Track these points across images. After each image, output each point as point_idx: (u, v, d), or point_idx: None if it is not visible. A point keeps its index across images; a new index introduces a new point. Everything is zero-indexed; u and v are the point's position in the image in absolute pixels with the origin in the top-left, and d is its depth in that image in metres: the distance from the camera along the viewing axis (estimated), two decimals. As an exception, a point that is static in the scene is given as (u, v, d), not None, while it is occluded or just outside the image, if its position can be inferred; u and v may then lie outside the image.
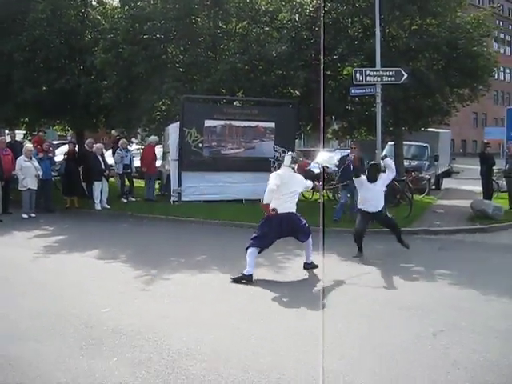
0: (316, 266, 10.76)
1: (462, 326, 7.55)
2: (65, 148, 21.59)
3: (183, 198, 19.31)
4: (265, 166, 18.73)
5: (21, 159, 17.57)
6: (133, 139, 26.86)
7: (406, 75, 16.37)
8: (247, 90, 20.96)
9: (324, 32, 17.86)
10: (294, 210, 10.43)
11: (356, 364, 6.27)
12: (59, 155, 22.84)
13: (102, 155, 19.68)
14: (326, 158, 25.21)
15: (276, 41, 20.17)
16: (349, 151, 17.61)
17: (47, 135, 25.51)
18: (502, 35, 75.50)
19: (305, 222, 10.65)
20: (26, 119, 24.40)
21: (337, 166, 18.99)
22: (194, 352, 6.53)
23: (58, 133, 31.97)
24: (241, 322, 7.69)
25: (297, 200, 10.63)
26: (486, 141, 24.53)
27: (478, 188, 21.86)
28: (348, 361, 6.36)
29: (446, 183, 29.47)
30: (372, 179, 12.36)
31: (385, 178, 12.60)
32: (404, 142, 22.32)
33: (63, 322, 7.54)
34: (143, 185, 21.18)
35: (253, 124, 20.05)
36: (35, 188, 17.71)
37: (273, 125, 20.12)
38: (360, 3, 19.36)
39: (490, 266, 11.68)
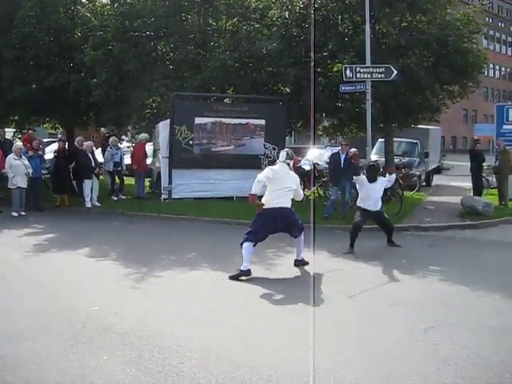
0: (307, 263, 10.75)
1: (453, 322, 7.57)
2: (55, 146, 21.48)
3: (174, 196, 19.27)
4: (255, 163, 18.74)
5: (10, 157, 17.49)
6: (123, 137, 26.79)
7: (395, 72, 16.39)
8: (237, 87, 20.94)
9: (314, 29, 17.85)
10: (289, 206, 10.43)
11: (347, 361, 6.27)
12: (49, 153, 22.74)
13: (93, 153, 19.65)
14: (316, 155, 25.14)
15: (266, 38, 20.15)
16: (339, 148, 17.61)
17: (37, 133, 25.43)
18: (491, 32, 75.85)
19: (299, 218, 10.67)
20: (16, 117, 24.32)
21: (327, 163, 19.01)
22: (185, 349, 6.52)
23: (48, 131, 31.87)
24: (231, 319, 7.68)
25: (300, 190, 10.72)
26: (475, 137, 24.56)
27: (468, 184, 21.93)
28: (339, 357, 6.37)
29: (437, 180, 29.52)
30: (371, 179, 12.44)
31: (384, 181, 12.77)
32: (394, 139, 22.37)
33: (53, 320, 7.52)
34: (134, 182, 21.15)
35: (243, 121, 20.03)
36: (25, 186, 17.62)
37: (263, 122, 20.10)
38: (350, 0, 19.35)
39: (481, 262, 11.74)
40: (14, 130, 24.98)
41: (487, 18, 64.35)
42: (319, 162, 22.19)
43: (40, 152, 19.55)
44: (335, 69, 19.14)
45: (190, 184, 19.38)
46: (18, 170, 17.41)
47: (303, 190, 19.40)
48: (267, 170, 10.36)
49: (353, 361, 6.27)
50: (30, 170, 17.69)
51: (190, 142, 19.36)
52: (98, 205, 19.03)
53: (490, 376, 5.87)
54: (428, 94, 19.89)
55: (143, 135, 21.60)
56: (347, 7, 19.38)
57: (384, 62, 17.04)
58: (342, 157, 16.50)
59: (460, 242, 14.07)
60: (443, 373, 5.94)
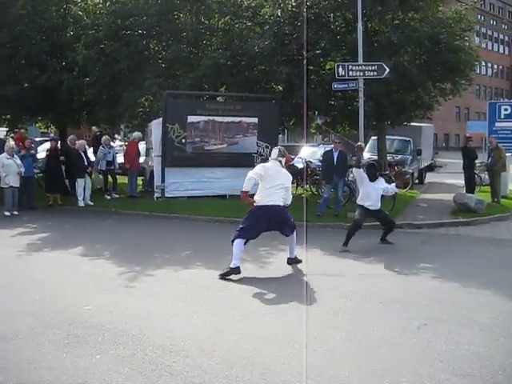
0: (300, 261, 10.75)
1: (446, 319, 7.59)
2: (47, 145, 21.43)
3: (167, 194, 19.25)
4: (248, 161, 18.71)
5: (2, 157, 17.43)
6: (116, 135, 26.75)
7: (388, 70, 16.43)
8: (230, 86, 20.95)
9: (306, 27, 17.89)
10: (281, 204, 10.32)
11: (340, 358, 6.28)
12: (42, 152, 22.69)
13: (85, 152, 19.60)
14: (309, 153, 25.19)
15: (258, 36, 20.12)
16: (332, 146, 17.62)
17: (30, 132, 25.37)
18: (483, 30, 76.08)
19: (291, 217, 10.63)
20: (8, 116, 24.24)
21: (320, 161, 19.03)
22: (178, 348, 6.52)
23: (41, 130, 31.80)
24: (225, 317, 7.69)
25: (290, 193, 10.60)
26: (468, 135, 24.65)
27: (460, 182, 21.97)
28: (332, 355, 6.37)
29: (429, 177, 29.62)
30: (372, 179, 12.46)
31: (383, 182, 12.79)
32: (387, 137, 22.44)
33: (46, 320, 7.50)
34: (126, 181, 21.10)
35: (236, 119, 20.00)
36: (17, 185, 17.56)
37: (256, 120, 20.08)
38: (342, -2, 19.37)
39: (473, 258, 11.78)
40: (7, 129, 24.91)
41: (479, 16, 64.54)
42: (312, 160, 22.24)
43: (32, 151, 19.51)
44: (328, 67, 19.20)
45: (183, 182, 19.39)
46: (11, 169, 17.36)
47: (296, 188, 19.77)
48: (258, 167, 10.30)
49: (346, 358, 6.28)
50: (23, 170, 17.64)
51: (183, 141, 19.32)
52: (91, 204, 18.98)
53: (483, 372, 5.89)
54: (420, 92, 19.95)
55: (136, 134, 21.55)
56: (339, 5, 19.38)
57: (376, 59, 17.07)
58: (335, 155, 16.51)
59: (453, 239, 14.11)
60: (436, 369, 5.95)
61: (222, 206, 17.59)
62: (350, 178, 17.68)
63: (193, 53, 21.37)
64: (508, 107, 21.62)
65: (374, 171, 12.60)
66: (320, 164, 19.04)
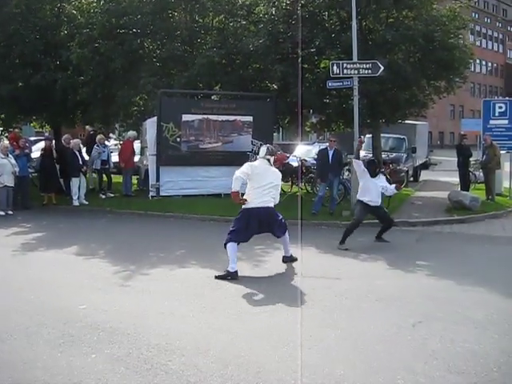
0: (295, 259, 10.75)
1: (440, 316, 7.61)
2: (42, 144, 21.39)
3: (161, 193, 19.25)
4: (243, 159, 18.31)
5: (-3, 156, 17.42)
6: (111, 134, 26.71)
7: (382, 68, 16.41)
8: (225, 84, 20.94)
9: (301, 25, 17.87)
10: (272, 205, 10.21)
11: (335, 356, 6.28)
12: (36, 151, 22.64)
13: (80, 151, 19.58)
14: (304, 151, 25.23)
15: (253, 34, 20.09)
16: (327, 144, 17.62)
17: (24, 131, 25.30)
18: (477, 28, 76.19)
19: (281, 217, 10.51)
20: (2, 115, 24.16)
21: (315, 159, 19.04)
22: (173, 347, 6.51)
23: (36, 129, 31.72)
24: (220, 316, 7.69)
25: (278, 192, 10.48)
26: (462, 132, 24.63)
27: (455, 179, 22.02)
28: (327, 353, 6.38)
29: (424, 175, 29.64)
30: (372, 175, 12.47)
31: (384, 180, 12.81)
32: (381, 135, 22.42)
33: (41, 319, 7.49)
34: (121, 180, 21.09)
35: (231, 118, 19.97)
36: (12, 185, 17.53)
37: (251, 118, 20.06)
38: (336, -4, 19.36)
39: (467, 256, 11.83)
40: (1, 128, 24.84)
41: (473, 14, 64.59)
42: (307, 159, 22.26)
43: (27, 150, 19.47)
44: (322, 65, 19.19)
45: (178, 181, 19.38)
46: (5, 168, 17.32)
47: (291, 186, 19.78)
48: (245, 166, 10.05)
49: (341, 356, 6.28)
50: (17, 169, 17.61)
51: (178, 140, 19.31)
52: (86, 203, 18.96)
53: (478, 370, 5.90)
54: (415, 90, 19.93)
55: (131, 133, 21.55)
56: (334, 3, 19.35)
57: (371, 57, 17.06)
58: (330, 153, 16.52)
59: (447, 237, 14.15)
60: (431, 367, 5.97)
61: (216, 204, 17.56)
62: (345, 177, 17.70)
63: (187, 51, 21.34)
64: (502, 105, 21.61)
65: (374, 167, 12.65)
66: (315, 162, 19.04)
